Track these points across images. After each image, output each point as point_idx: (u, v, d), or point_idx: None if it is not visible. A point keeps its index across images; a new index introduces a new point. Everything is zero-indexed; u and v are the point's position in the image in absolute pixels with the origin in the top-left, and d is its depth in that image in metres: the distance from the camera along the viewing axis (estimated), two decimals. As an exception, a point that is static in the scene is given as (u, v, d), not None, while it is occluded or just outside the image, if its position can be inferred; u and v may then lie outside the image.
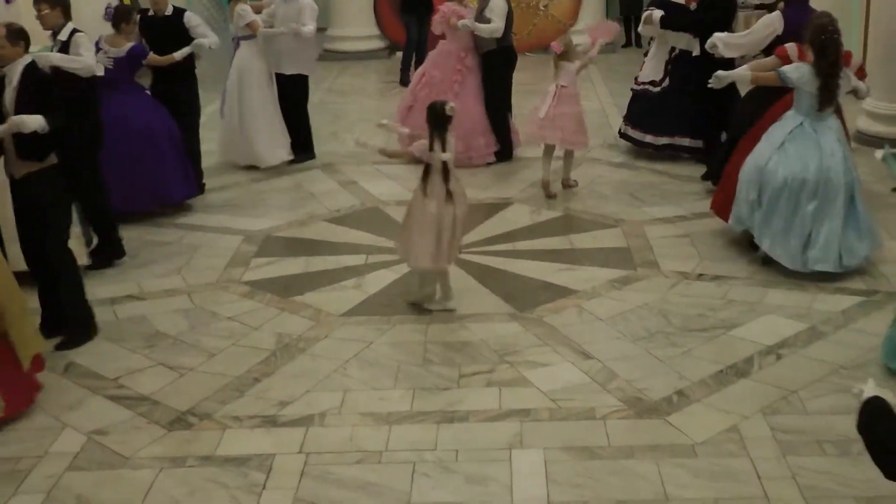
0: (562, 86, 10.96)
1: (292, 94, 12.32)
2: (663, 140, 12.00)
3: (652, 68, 12.24)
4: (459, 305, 8.05)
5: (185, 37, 10.87)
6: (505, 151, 12.29)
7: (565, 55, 11.01)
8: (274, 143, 12.21)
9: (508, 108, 12.50)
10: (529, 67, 17.70)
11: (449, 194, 7.87)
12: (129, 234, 9.82)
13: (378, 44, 19.63)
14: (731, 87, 10.08)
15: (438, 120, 7.83)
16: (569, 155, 11.31)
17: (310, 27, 11.95)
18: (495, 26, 11.86)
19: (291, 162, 12.31)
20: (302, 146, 12.50)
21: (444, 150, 7.80)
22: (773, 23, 10.00)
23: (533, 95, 14.50)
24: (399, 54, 17.88)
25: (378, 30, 19.72)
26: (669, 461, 5.94)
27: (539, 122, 10.98)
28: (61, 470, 6.04)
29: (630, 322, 7.81)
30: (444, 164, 7.82)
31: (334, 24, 19.65)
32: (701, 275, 8.63)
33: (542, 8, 19.16)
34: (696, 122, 11.65)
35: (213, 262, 9.26)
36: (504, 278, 8.69)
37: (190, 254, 9.47)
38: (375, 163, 12.20)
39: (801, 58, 8.60)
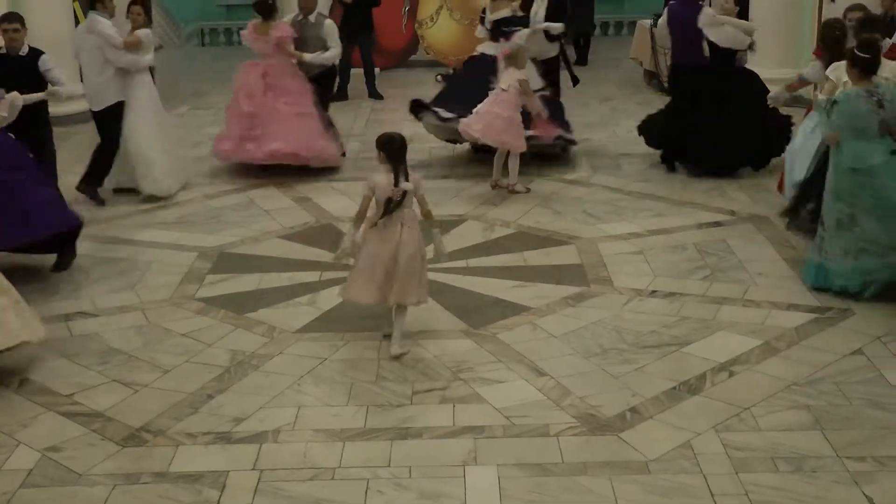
0: (501, 89, 11.35)
1: None
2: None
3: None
4: (413, 323, 7.98)
5: (38, 80, 10.29)
6: None
7: (512, 60, 11.38)
8: None
9: None
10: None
11: (400, 228, 7.50)
12: (82, 251, 9.76)
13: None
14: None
15: (398, 152, 7.45)
16: (511, 160, 11.54)
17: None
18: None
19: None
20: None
21: (406, 179, 7.46)
22: None
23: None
24: (354, 71, 17.94)
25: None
26: (622, 477, 5.97)
27: (470, 118, 11.42)
28: (15, 487, 5.99)
29: (583, 339, 7.84)
30: (404, 194, 7.45)
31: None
32: (654, 291, 8.68)
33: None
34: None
35: (167, 278, 9.21)
36: (457, 295, 8.70)
37: (143, 270, 9.42)
38: (329, 179, 12.20)
39: None
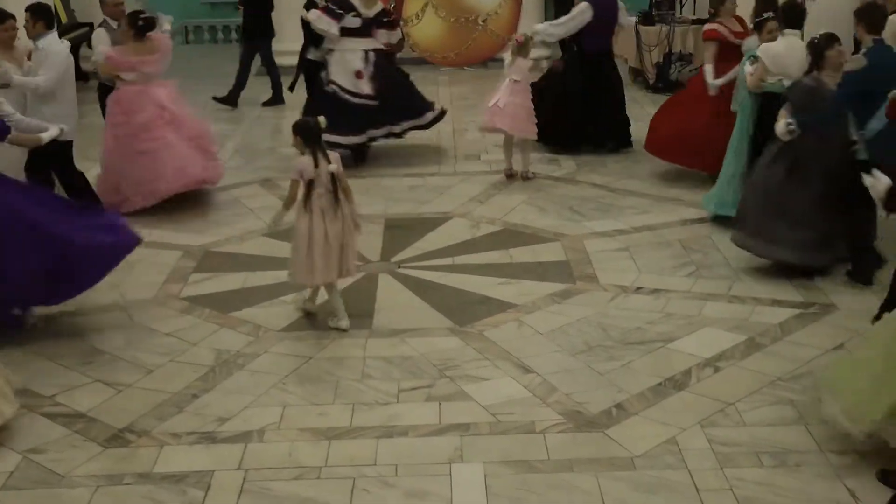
0: (514, 80, 11.66)
1: None
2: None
3: None
4: (399, 320, 8.06)
5: None
6: None
7: (522, 50, 11.72)
8: None
9: None
10: (468, 81, 17.83)
11: (337, 206, 7.87)
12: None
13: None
14: None
15: (315, 135, 7.83)
16: (524, 148, 11.93)
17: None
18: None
19: None
20: None
21: (328, 161, 7.81)
22: (584, 10, 12.67)
23: (473, 110, 14.65)
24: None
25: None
26: (608, 474, 5.97)
27: (491, 111, 11.71)
28: (-4, 489, 5.98)
29: (569, 336, 7.84)
30: (332, 175, 7.81)
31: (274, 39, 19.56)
32: (639, 288, 8.68)
33: (480, 23, 19.21)
34: None
35: (151, 277, 9.19)
36: (443, 293, 8.70)
37: (127, 269, 9.32)
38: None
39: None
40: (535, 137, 12.09)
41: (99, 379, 7.32)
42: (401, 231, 10.25)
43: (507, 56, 11.99)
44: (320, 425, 6.62)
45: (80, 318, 8.36)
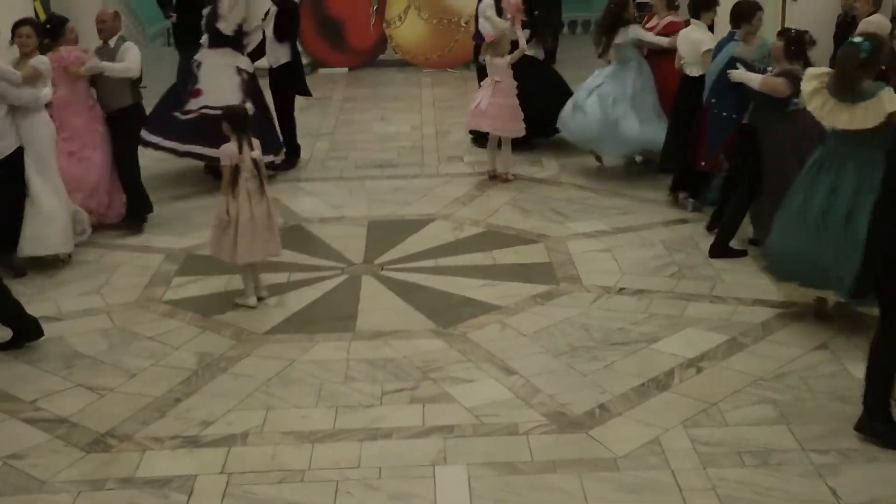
0: (496, 80, 11.73)
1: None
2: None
3: None
4: (382, 323, 8.07)
5: None
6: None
7: (497, 49, 11.74)
8: None
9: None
10: (451, 83, 17.81)
11: (262, 190, 8.40)
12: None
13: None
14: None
15: (242, 122, 8.40)
16: (505, 148, 11.96)
17: None
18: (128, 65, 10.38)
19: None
20: None
21: (251, 148, 8.36)
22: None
23: (455, 111, 14.67)
24: (322, 71, 17.88)
25: (300, 46, 19.63)
26: (592, 475, 5.97)
27: (475, 112, 11.93)
28: (-25, 496, 5.94)
29: (552, 337, 7.84)
30: (255, 161, 8.35)
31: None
32: (622, 289, 8.69)
33: (463, 24, 19.19)
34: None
35: (134, 281, 9.16)
36: (427, 294, 8.69)
37: (109, 273, 9.35)
38: (298, 180, 12.17)
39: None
40: (522, 134, 12.03)
41: (80, 383, 7.29)
42: (384, 233, 10.24)
43: (482, 57, 12.05)
44: (303, 428, 6.61)
45: (61, 322, 8.32)
